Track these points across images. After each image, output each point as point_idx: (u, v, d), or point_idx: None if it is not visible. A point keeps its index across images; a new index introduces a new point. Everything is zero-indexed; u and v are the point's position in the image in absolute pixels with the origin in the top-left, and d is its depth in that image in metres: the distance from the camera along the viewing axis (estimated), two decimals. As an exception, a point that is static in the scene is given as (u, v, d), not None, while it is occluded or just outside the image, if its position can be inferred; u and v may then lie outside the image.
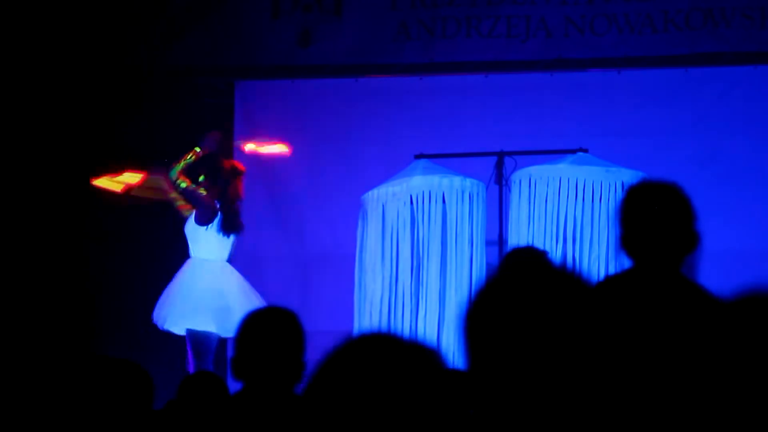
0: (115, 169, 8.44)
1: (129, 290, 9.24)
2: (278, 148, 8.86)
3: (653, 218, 3.32)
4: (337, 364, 1.62)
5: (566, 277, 1.75)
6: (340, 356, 1.63)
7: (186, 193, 8.13)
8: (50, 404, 3.52)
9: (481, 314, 1.74)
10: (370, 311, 8.11)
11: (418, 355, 1.62)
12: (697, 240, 3.34)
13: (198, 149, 8.12)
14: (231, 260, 8.26)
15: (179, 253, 9.28)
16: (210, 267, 8.04)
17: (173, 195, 8.20)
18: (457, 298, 8.02)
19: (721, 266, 8.31)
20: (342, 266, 8.74)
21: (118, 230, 9.32)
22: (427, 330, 7.93)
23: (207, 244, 8.13)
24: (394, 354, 1.61)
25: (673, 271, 3.30)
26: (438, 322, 8.01)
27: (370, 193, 8.25)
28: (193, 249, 8.19)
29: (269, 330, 3.70)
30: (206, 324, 7.77)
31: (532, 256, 5.40)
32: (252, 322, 3.76)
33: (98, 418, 3.30)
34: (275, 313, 3.81)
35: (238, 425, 3.57)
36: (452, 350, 7.21)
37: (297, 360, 3.68)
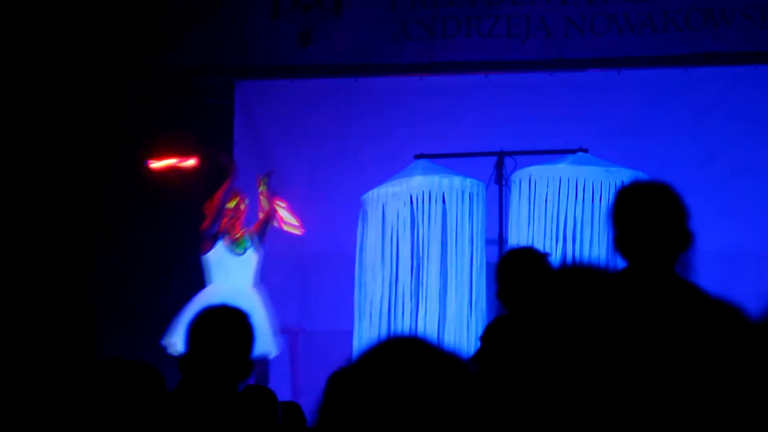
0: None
1: (131, 291, 9.24)
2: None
3: (646, 218, 3.32)
4: (368, 368, 1.61)
5: (574, 276, 1.75)
6: (370, 360, 1.62)
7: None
8: (64, 407, 3.52)
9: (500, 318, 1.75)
10: (370, 311, 8.11)
11: (447, 361, 1.62)
12: (691, 238, 3.34)
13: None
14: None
15: (179, 253, 9.28)
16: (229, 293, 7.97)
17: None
18: (457, 298, 8.03)
19: (721, 266, 8.32)
20: (342, 266, 8.74)
21: (119, 230, 9.32)
22: (427, 330, 7.93)
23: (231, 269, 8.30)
24: (425, 360, 1.60)
25: (667, 270, 3.30)
26: (438, 322, 8.01)
27: (370, 193, 8.25)
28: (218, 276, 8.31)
29: (217, 328, 3.70)
30: None
31: (532, 257, 5.40)
32: (201, 320, 3.75)
33: (112, 420, 3.30)
34: (225, 312, 3.80)
35: (178, 421, 3.57)
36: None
37: (243, 358, 3.68)
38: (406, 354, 1.60)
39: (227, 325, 3.72)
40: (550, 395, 1.66)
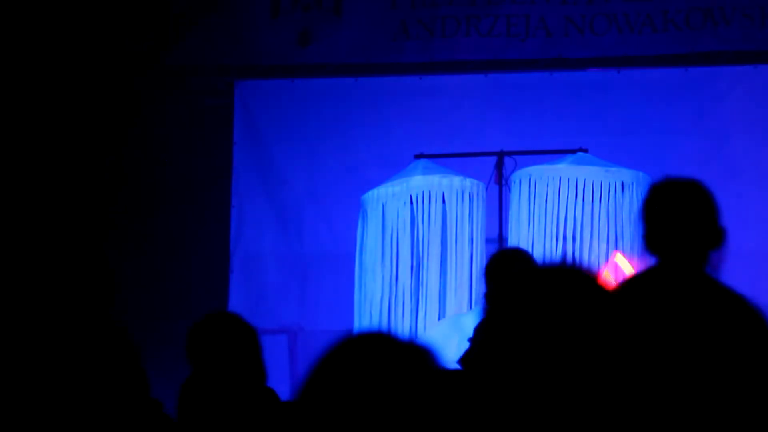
0: None
1: (135, 288, 9.23)
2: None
3: (677, 215, 3.30)
4: (332, 364, 1.62)
5: (580, 277, 1.75)
6: (334, 356, 1.63)
7: None
8: (50, 397, 3.52)
9: (508, 315, 1.74)
10: (370, 311, 8.10)
11: (412, 354, 1.63)
12: (722, 236, 3.33)
13: None
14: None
15: (181, 251, 9.28)
16: None
17: None
18: (457, 298, 8.02)
19: (721, 266, 8.30)
20: (342, 266, 8.74)
21: (120, 228, 9.32)
22: (427, 330, 7.92)
23: None
24: (389, 353, 1.61)
25: (697, 268, 3.28)
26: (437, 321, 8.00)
27: (370, 193, 8.25)
28: None
29: (217, 338, 3.59)
30: None
31: (520, 258, 5.38)
32: (197, 333, 3.64)
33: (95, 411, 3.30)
34: (218, 319, 3.69)
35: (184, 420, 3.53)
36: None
37: (254, 361, 3.58)
38: (371, 349, 1.61)
39: (227, 332, 3.63)
40: (581, 392, 1.65)
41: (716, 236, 3.32)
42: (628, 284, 3.33)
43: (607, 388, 1.65)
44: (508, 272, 5.06)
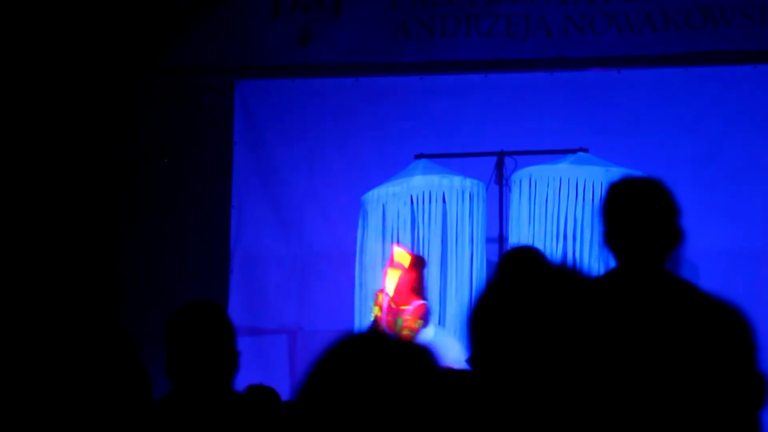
0: None
1: (130, 289, 9.24)
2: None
3: (636, 215, 3.33)
4: (331, 364, 1.62)
5: (565, 276, 1.75)
6: (333, 356, 1.64)
7: None
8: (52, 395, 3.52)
9: (482, 313, 1.75)
10: (370, 311, 8.11)
11: (411, 353, 1.63)
12: (681, 236, 3.34)
13: None
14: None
15: (181, 252, 9.28)
16: None
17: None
18: (457, 297, 8.02)
19: (721, 266, 8.33)
20: (342, 266, 8.74)
21: (116, 229, 9.32)
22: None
23: None
24: (388, 353, 1.61)
25: (657, 267, 3.30)
26: (438, 322, 8.00)
27: (370, 193, 8.26)
28: None
29: (194, 327, 3.66)
30: None
31: (530, 255, 5.40)
32: (176, 321, 3.71)
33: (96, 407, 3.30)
34: (197, 308, 3.76)
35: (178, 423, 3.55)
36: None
37: (227, 351, 3.64)
38: (371, 349, 1.62)
39: (202, 321, 3.68)
40: (544, 390, 1.66)
41: (675, 236, 3.34)
42: (593, 285, 3.34)
43: (580, 387, 1.66)
44: (519, 271, 5.06)
